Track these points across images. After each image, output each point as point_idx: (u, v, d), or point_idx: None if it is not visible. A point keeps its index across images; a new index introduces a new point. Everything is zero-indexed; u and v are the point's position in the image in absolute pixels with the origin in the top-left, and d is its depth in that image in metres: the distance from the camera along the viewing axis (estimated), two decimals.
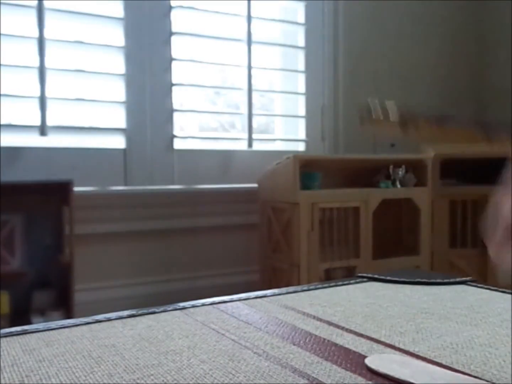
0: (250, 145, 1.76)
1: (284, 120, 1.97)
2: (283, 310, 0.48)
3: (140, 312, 0.47)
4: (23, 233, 1.38)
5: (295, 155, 1.52)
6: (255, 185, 1.73)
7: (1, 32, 1.41)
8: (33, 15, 1.43)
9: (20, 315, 1.34)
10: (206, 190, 1.70)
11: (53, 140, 1.50)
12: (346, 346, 0.38)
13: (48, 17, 1.45)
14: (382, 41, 2.09)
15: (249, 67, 1.74)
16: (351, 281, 0.60)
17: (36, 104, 1.44)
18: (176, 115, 1.69)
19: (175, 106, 1.68)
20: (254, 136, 1.77)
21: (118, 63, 1.59)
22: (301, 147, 1.94)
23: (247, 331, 0.42)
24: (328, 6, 1.95)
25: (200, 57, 1.74)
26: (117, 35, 1.59)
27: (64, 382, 0.32)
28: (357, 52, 2.03)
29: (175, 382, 0.32)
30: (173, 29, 1.66)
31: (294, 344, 0.39)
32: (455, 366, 0.35)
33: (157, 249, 1.65)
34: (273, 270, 1.64)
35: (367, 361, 0.34)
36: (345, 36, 1.99)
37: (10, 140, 1.45)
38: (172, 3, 1.66)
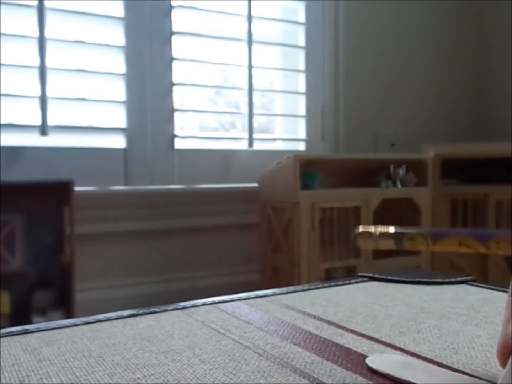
0: (250, 144, 1.76)
1: (285, 119, 1.97)
2: (284, 309, 0.48)
3: (140, 311, 0.47)
4: (23, 233, 1.38)
5: (296, 154, 1.52)
6: (256, 184, 1.73)
7: (1, 32, 1.41)
8: (33, 15, 1.44)
9: (20, 315, 1.34)
10: (207, 190, 1.71)
11: (54, 140, 1.50)
12: (347, 346, 0.38)
13: (48, 17, 1.46)
14: (383, 40, 2.09)
15: (250, 67, 1.74)
16: (352, 281, 0.60)
17: (36, 103, 1.44)
18: (176, 115, 1.69)
19: (176, 105, 1.68)
20: (254, 135, 1.77)
21: (118, 63, 1.59)
22: (301, 146, 1.94)
23: (247, 331, 0.42)
24: (329, 5, 1.95)
25: (201, 57, 1.74)
26: (117, 35, 1.59)
27: (64, 382, 0.32)
28: (357, 52, 2.03)
29: (176, 381, 0.32)
30: (174, 29, 1.66)
31: (294, 344, 0.39)
32: (456, 366, 0.35)
33: (158, 248, 1.65)
34: (273, 270, 1.64)
35: (367, 360, 0.34)
36: (346, 35, 1.98)
37: (11, 140, 1.45)
38: (173, 3, 1.66)
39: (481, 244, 0.20)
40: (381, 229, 0.24)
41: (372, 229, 0.25)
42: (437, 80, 2.24)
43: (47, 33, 1.45)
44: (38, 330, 0.43)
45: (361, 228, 0.25)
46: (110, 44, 1.59)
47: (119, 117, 1.61)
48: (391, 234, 0.23)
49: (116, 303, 1.54)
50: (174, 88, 1.68)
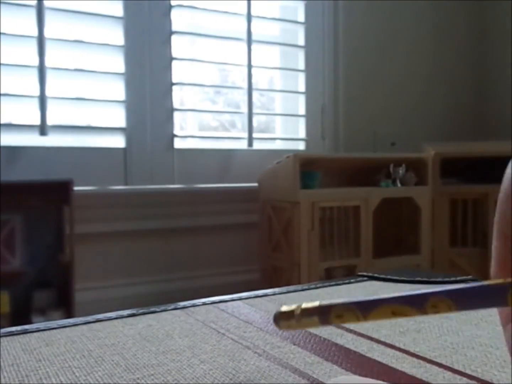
0: (250, 144, 1.76)
1: (284, 119, 1.96)
2: None
3: (140, 311, 0.47)
4: (23, 232, 1.38)
5: (295, 154, 1.52)
6: (255, 184, 1.73)
7: (1, 32, 1.41)
8: (32, 15, 1.43)
9: (20, 315, 1.34)
10: (206, 189, 1.70)
11: (53, 140, 1.50)
12: (347, 346, 0.38)
13: (47, 17, 1.45)
14: (383, 40, 2.09)
15: (249, 66, 1.74)
16: (352, 280, 0.60)
17: (36, 103, 1.44)
18: (176, 114, 1.69)
19: (175, 105, 1.68)
20: (254, 135, 1.77)
21: (118, 62, 1.59)
22: (301, 146, 1.94)
23: (247, 331, 0.42)
24: (328, 5, 1.95)
25: (200, 56, 1.74)
26: (116, 34, 1.59)
27: (64, 382, 0.32)
28: (357, 51, 2.03)
29: (175, 381, 0.32)
30: (173, 28, 1.66)
31: (294, 344, 0.39)
32: (455, 366, 0.34)
33: (158, 248, 1.65)
34: (273, 269, 1.64)
35: (331, 381, 0.32)
36: (345, 35, 1.98)
37: (10, 139, 1.45)
38: (172, 2, 1.66)
39: (417, 310, 0.19)
40: (304, 305, 0.22)
41: (294, 306, 0.22)
42: (437, 80, 2.24)
43: (47, 33, 1.45)
44: (38, 330, 0.43)
45: (283, 308, 0.23)
46: (109, 44, 1.59)
47: (118, 117, 1.60)
48: (315, 309, 0.22)
49: (116, 303, 1.54)
50: (174, 87, 1.67)
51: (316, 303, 0.22)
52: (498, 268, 0.23)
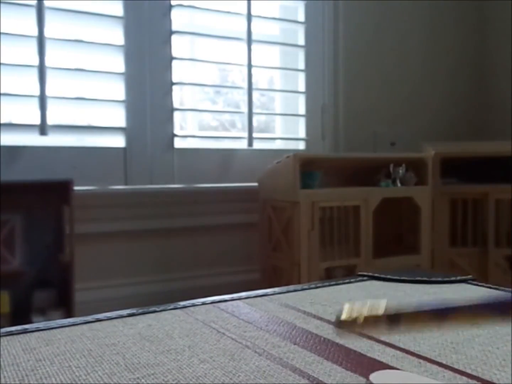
0: (250, 144, 1.76)
1: (284, 119, 1.96)
2: (284, 309, 0.48)
3: (140, 311, 0.47)
4: (23, 232, 1.38)
5: (295, 154, 1.52)
6: (255, 184, 1.73)
7: (1, 31, 1.41)
8: (32, 14, 1.43)
9: (20, 315, 1.34)
10: (206, 189, 1.70)
11: (53, 140, 1.50)
12: (347, 345, 0.38)
13: (47, 16, 1.45)
14: (383, 40, 2.09)
15: (249, 66, 1.74)
16: (352, 280, 0.60)
17: (36, 103, 1.44)
18: (176, 114, 1.69)
19: (175, 105, 1.68)
20: (254, 135, 1.77)
21: (118, 62, 1.59)
22: (301, 146, 1.94)
23: (247, 330, 0.42)
24: (329, 5, 1.94)
25: (200, 56, 1.74)
26: (116, 34, 1.59)
27: (64, 381, 0.32)
28: (357, 51, 2.03)
29: (176, 381, 0.32)
30: (173, 28, 1.66)
31: (294, 344, 0.39)
32: (455, 366, 0.34)
33: (158, 248, 1.65)
34: (273, 269, 1.64)
35: (371, 377, 0.33)
36: (346, 34, 1.98)
37: (10, 139, 1.45)
38: (172, 2, 1.66)
39: (500, 317, 0.18)
40: (365, 311, 0.19)
41: (355, 314, 0.20)
42: (437, 80, 2.24)
43: (47, 33, 1.45)
44: (38, 330, 0.43)
45: (343, 316, 0.21)
46: (109, 43, 1.58)
47: (118, 117, 1.60)
48: (379, 318, 0.19)
49: (115, 302, 1.54)
50: (174, 87, 1.67)
51: (379, 310, 0.20)
52: None
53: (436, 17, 2.23)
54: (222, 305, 0.49)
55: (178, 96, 1.73)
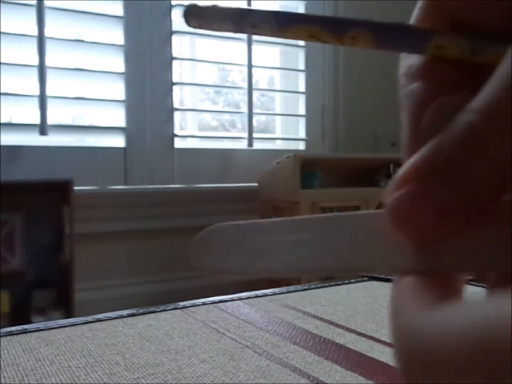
0: (250, 144, 1.76)
1: (284, 119, 1.96)
2: (284, 309, 0.48)
3: (140, 311, 0.47)
4: (23, 232, 1.38)
5: (295, 154, 1.52)
6: (255, 184, 1.73)
7: (1, 31, 1.41)
8: (32, 14, 1.43)
9: (20, 314, 1.34)
10: (206, 189, 1.70)
11: (53, 139, 1.50)
12: (347, 345, 0.38)
13: (47, 16, 1.45)
14: None
15: (250, 66, 1.74)
16: (352, 280, 0.60)
17: (36, 103, 1.44)
18: (176, 114, 1.69)
19: (175, 105, 1.68)
20: (254, 135, 1.77)
21: (118, 62, 1.59)
22: (301, 146, 1.94)
23: (247, 330, 0.42)
24: (329, 5, 1.95)
25: (200, 56, 1.74)
26: (117, 34, 1.59)
27: (64, 381, 0.32)
28: (357, 51, 2.03)
29: (175, 381, 0.32)
30: (174, 28, 1.66)
31: (294, 343, 0.39)
32: None
33: (157, 248, 1.65)
34: None
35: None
36: None
37: (10, 139, 1.45)
38: (173, 2, 1.66)
39: (335, 37, 0.17)
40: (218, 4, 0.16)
41: (209, 5, 0.17)
42: None
43: (47, 32, 1.45)
44: (38, 330, 0.43)
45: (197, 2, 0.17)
46: (109, 43, 1.59)
47: (118, 117, 1.60)
48: (229, 12, 0.16)
49: (115, 302, 1.54)
50: (174, 87, 1.67)
51: (231, 6, 0.16)
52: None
53: None
54: (222, 305, 0.49)
55: (178, 96, 1.73)
